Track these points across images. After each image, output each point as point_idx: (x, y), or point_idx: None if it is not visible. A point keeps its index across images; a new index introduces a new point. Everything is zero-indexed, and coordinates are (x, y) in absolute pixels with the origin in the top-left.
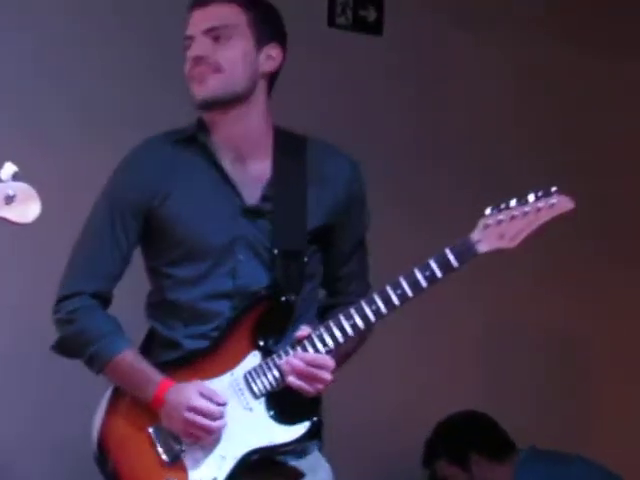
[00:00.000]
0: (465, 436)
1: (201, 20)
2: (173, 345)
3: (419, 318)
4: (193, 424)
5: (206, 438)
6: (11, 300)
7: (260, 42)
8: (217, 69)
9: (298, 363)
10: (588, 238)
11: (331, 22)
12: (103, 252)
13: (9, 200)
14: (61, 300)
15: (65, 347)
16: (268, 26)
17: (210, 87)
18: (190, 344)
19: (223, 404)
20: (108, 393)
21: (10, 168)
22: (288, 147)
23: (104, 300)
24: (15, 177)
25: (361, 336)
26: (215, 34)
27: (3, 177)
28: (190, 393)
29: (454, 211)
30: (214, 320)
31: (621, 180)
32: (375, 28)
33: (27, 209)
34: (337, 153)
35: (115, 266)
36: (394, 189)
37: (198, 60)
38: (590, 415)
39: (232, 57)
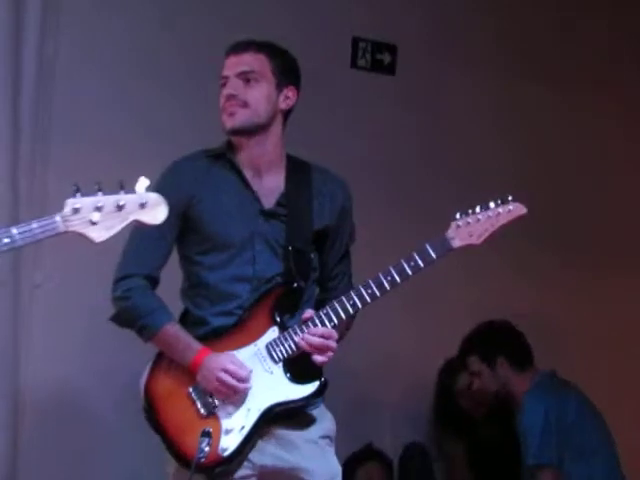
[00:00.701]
0: (498, 340)
1: (235, 64)
2: (202, 322)
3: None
4: (224, 383)
5: (233, 396)
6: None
7: (280, 85)
8: (245, 105)
9: (312, 338)
10: (554, 238)
11: (353, 64)
12: (151, 243)
13: (143, 206)
14: (118, 281)
15: (120, 319)
16: (287, 72)
17: (237, 119)
18: (216, 321)
19: (249, 371)
20: (153, 357)
21: (144, 182)
22: (297, 169)
23: (153, 282)
24: (147, 189)
25: (352, 319)
26: (246, 77)
27: (137, 189)
28: (224, 360)
29: (447, 213)
30: (236, 300)
31: (574, 185)
32: (389, 69)
33: (157, 213)
34: (334, 177)
35: (161, 254)
36: (399, 195)
37: (230, 97)
38: None
39: (257, 96)
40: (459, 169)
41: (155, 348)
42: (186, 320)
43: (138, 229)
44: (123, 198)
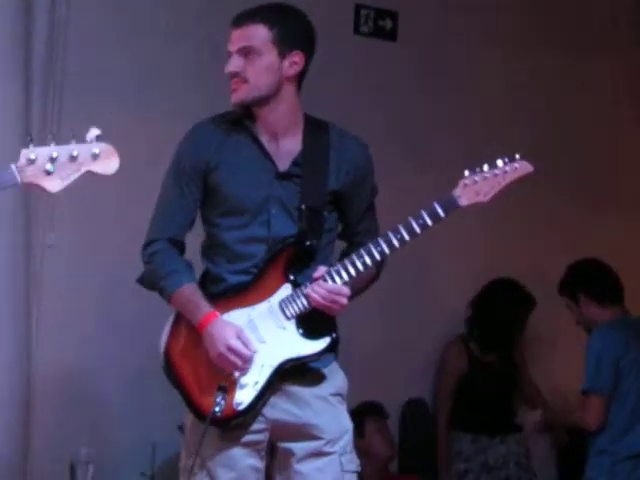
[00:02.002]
0: (578, 277)
1: (236, 39)
2: (220, 279)
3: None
4: (226, 359)
5: (232, 372)
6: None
7: (283, 53)
8: (245, 81)
9: (319, 289)
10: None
11: (356, 30)
12: (174, 206)
13: (95, 157)
14: (145, 246)
15: (145, 281)
16: (291, 38)
17: (239, 95)
18: (232, 279)
19: (253, 351)
20: (171, 317)
21: (94, 131)
22: (314, 130)
23: (178, 244)
24: (98, 138)
25: (370, 274)
26: (245, 52)
27: (88, 139)
28: (231, 333)
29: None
30: (252, 259)
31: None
32: (391, 35)
33: (109, 164)
34: (353, 137)
35: (185, 217)
36: (407, 152)
37: (232, 75)
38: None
39: (256, 71)
40: (464, 131)
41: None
42: (206, 278)
43: (161, 196)
44: (76, 148)
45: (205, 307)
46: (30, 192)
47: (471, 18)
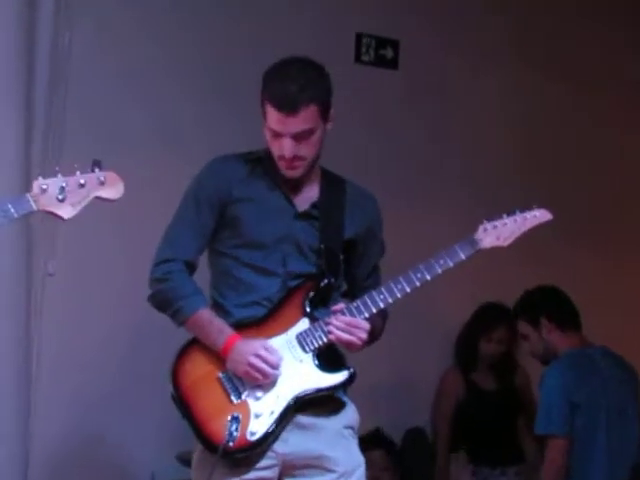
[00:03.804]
0: (540, 302)
1: (291, 125)
2: (226, 312)
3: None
4: (255, 367)
5: (263, 381)
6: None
7: (325, 118)
8: (302, 159)
9: (338, 322)
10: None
11: (357, 59)
12: (192, 230)
13: (102, 184)
14: (158, 263)
15: (156, 301)
16: (328, 101)
17: (298, 172)
18: (238, 312)
19: (280, 358)
20: (182, 346)
21: (97, 161)
22: (331, 181)
23: (191, 268)
24: (100, 167)
25: (384, 316)
26: (301, 135)
27: (91, 168)
28: (257, 345)
29: (454, 210)
30: (264, 291)
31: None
32: (392, 64)
33: (115, 188)
34: (366, 191)
35: (200, 242)
36: (403, 187)
37: (290, 159)
38: None
39: (311, 146)
40: (464, 161)
41: (171, 336)
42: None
43: (177, 218)
44: (83, 177)
45: (230, 330)
46: (30, 220)
47: (472, 48)
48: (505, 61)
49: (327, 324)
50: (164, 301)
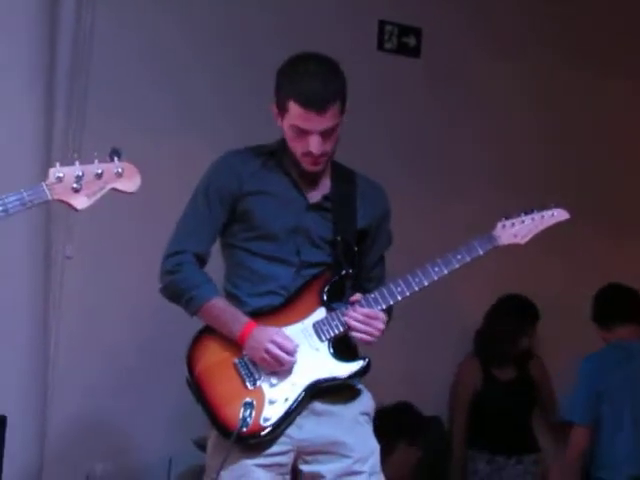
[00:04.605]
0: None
1: (319, 123)
2: (241, 302)
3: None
4: (271, 353)
5: (279, 368)
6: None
7: (343, 112)
8: (326, 155)
9: (356, 314)
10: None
11: (380, 47)
12: (203, 224)
13: (119, 175)
14: (170, 255)
15: (169, 292)
16: (346, 98)
17: (320, 167)
18: (254, 302)
19: (296, 345)
20: (197, 332)
21: (117, 151)
22: (342, 174)
23: (201, 260)
24: (120, 158)
25: (389, 314)
26: (328, 132)
27: (110, 158)
28: (273, 332)
29: (475, 196)
30: (278, 280)
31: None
32: (414, 52)
33: (132, 181)
34: (375, 183)
35: (211, 235)
36: (425, 175)
37: (318, 155)
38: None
39: (334, 141)
40: (485, 147)
41: (189, 320)
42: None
43: (189, 211)
44: (100, 167)
45: (244, 317)
46: (49, 206)
47: (494, 35)
48: (526, 47)
49: (344, 314)
50: (176, 292)
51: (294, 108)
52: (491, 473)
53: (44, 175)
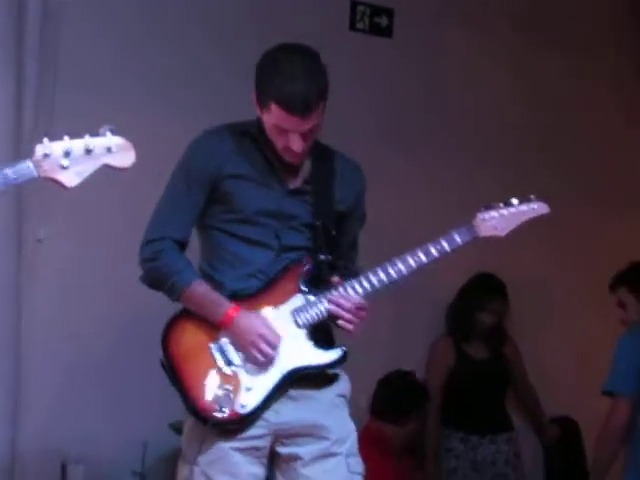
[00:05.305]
0: None
1: (302, 125)
2: (219, 285)
3: None
4: (257, 347)
5: (262, 360)
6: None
7: (325, 106)
8: (307, 148)
9: (346, 304)
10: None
11: (352, 27)
12: (182, 209)
13: (110, 150)
14: (148, 242)
15: (149, 279)
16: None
17: (300, 160)
18: (233, 284)
19: (279, 338)
20: (173, 315)
21: (108, 126)
22: (321, 153)
23: (181, 245)
24: (112, 132)
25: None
26: (310, 130)
27: (102, 133)
28: (260, 322)
29: (449, 161)
30: (257, 263)
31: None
32: (387, 32)
33: (126, 157)
34: (353, 162)
35: (190, 220)
36: (402, 149)
37: (298, 154)
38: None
39: (313, 137)
40: (458, 129)
41: (167, 304)
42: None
43: (167, 195)
44: (91, 142)
45: (226, 301)
46: (21, 187)
47: (467, 15)
48: (500, 25)
49: (329, 301)
50: (157, 279)
51: (276, 110)
52: (465, 451)
53: (15, 156)
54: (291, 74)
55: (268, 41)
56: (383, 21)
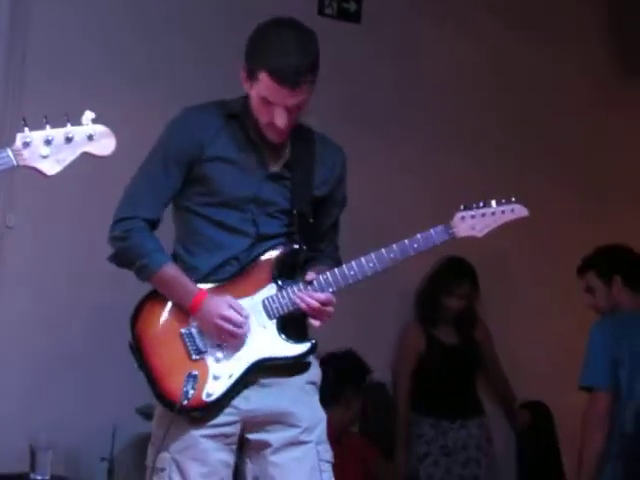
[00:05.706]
0: (617, 259)
1: (290, 98)
2: (193, 269)
3: None
4: (222, 328)
5: (231, 340)
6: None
7: (314, 83)
8: (291, 125)
9: (312, 301)
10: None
11: (320, 12)
12: (158, 189)
13: (91, 138)
14: (119, 221)
15: (119, 259)
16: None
17: (284, 137)
18: (207, 269)
19: (246, 316)
20: (143, 297)
21: (89, 114)
22: (301, 135)
23: (152, 225)
24: (93, 121)
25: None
26: (296, 106)
27: (84, 121)
28: (222, 304)
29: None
30: (232, 250)
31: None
32: (355, 17)
33: (106, 145)
34: (333, 144)
35: (165, 201)
36: (371, 134)
37: (282, 128)
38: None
39: (299, 115)
40: (427, 112)
41: (137, 288)
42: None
43: (142, 173)
44: (71, 130)
45: (195, 287)
46: None
47: (435, 2)
48: (467, 11)
49: (295, 294)
50: (127, 259)
51: (266, 80)
52: (436, 437)
53: None
54: (284, 46)
55: (237, 28)
56: (351, 7)
